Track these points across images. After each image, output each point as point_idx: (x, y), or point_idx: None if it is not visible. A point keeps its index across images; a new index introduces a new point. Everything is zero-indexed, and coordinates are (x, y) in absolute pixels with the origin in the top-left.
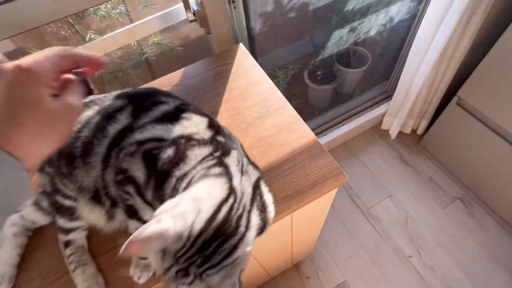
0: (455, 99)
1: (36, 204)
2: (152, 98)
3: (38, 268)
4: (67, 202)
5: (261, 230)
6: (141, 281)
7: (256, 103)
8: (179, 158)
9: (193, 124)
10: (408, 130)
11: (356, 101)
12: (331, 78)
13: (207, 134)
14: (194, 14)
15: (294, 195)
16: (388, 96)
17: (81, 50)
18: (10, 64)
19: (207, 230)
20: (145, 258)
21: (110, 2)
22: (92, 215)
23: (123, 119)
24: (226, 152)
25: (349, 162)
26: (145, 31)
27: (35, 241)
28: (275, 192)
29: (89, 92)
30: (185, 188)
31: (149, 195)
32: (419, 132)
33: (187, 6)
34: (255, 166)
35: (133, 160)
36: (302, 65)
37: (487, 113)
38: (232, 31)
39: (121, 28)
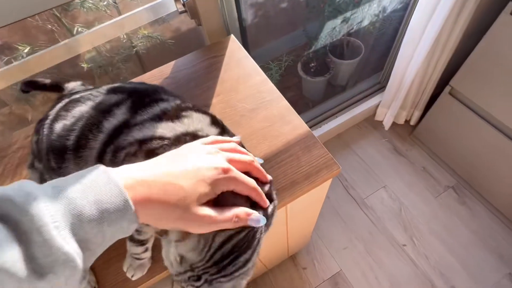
0: (447, 89)
1: None
2: (152, 95)
3: None
4: None
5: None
6: (134, 278)
7: (249, 95)
8: None
9: (196, 121)
10: (401, 121)
11: (350, 92)
12: (325, 70)
13: (212, 131)
14: (184, 5)
15: (288, 187)
16: (381, 87)
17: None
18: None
19: (227, 245)
20: (140, 259)
21: None
22: None
23: (120, 114)
24: None
25: (343, 154)
26: (134, 23)
27: None
28: None
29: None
30: None
31: None
32: (412, 122)
33: None
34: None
35: (136, 160)
36: (296, 57)
37: (479, 102)
38: (223, 23)
39: (109, 21)
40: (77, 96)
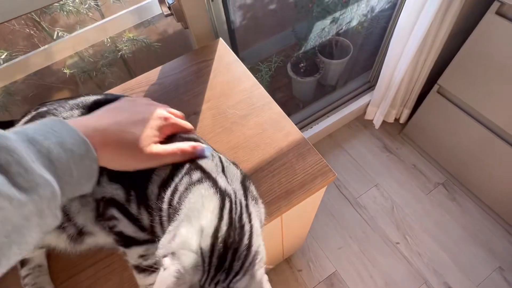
0: (435, 87)
1: None
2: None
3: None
4: None
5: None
6: None
7: (240, 101)
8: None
9: None
10: (391, 119)
11: (340, 92)
12: (315, 70)
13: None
14: (169, 8)
15: (283, 196)
16: (371, 86)
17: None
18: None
19: (217, 244)
20: None
21: None
22: (50, 236)
23: None
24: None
25: (335, 154)
26: (118, 27)
27: None
28: (263, 194)
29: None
30: (172, 196)
31: (134, 208)
32: (401, 121)
33: (161, 0)
34: (235, 164)
35: (103, 184)
36: (285, 58)
37: (467, 100)
38: (211, 25)
39: (91, 24)
40: (42, 110)
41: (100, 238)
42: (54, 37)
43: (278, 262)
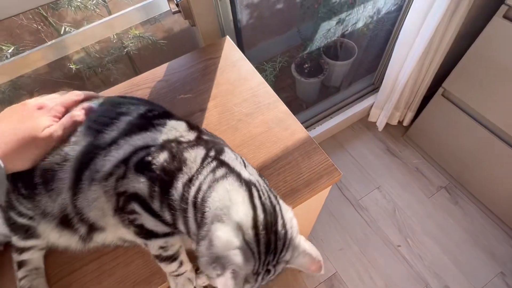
0: (440, 90)
1: None
2: (109, 111)
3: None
4: (21, 220)
5: None
6: None
7: (246, 99)
8: (178, 161)
9: (172, 128)
10: (394, 122)
11: (344, 93)
12: (319, 71)
13: (191, 135)
14: (177, 5)
15: (288, 194)
16: (375, 88)
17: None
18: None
19: (259, 233)
20: (181, 274)
21: None
22: (61, 239)
23: (79, 140)
24: (220, 151)
25: (337, 155)
26: (124, 23)
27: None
28: None
29: None
30: (195, 197)
31: (156, 204)
32: (405, 123)
33: None
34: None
35: (128, 179)
36: (290, 58)
37: (471, 104)
38: (218, 23)
39: (98, 21)
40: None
41: (110, 234)
42: (61, 32)
43: None
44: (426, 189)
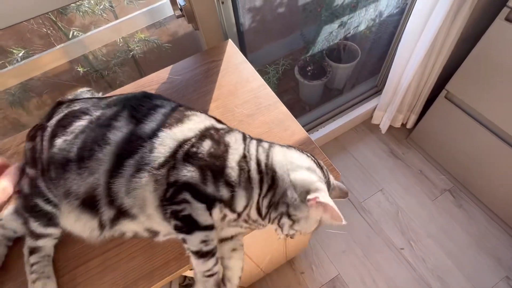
0: (443, 93)
1: (17, 212)
2: (146, 101)
3: (16, 280)
4: (47, 207)
5: None
6: None
7: (247, 101)
8: (223, 145)
9: (203, 118)
10: (398, 124)
11: (347, 96)
12: (322, 74)
13: (219, 124)
14: (181, 9)
15: None
16: (378, 90)
17: None
18: None
19: (319, 165)
20: (213, 274)
21: None
22: (77, 224)
23: (122, 126)
24: (246, 135)
25: (340, 157)
26: (131, 27)
27: (16, 251)
28: None
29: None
30: (259, 167)
31: (211, 187)
32: (408, 126)
33: (173, 2)
34: None
35: (178, 169)
36: (293, 61)
37: (474, 106)
38: (221, 27)
39: (106, 25)
40: (75, 108)
41: (138, 224)
42: (70, 36)
43: (281, 264)
44: (430, 192)
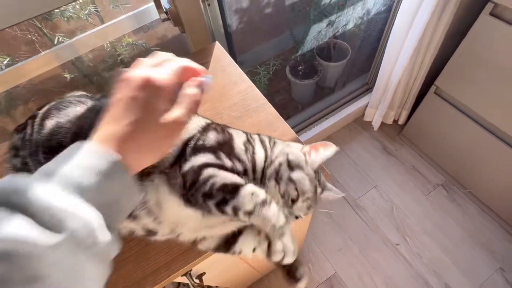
0: (432, 88)
1: None
2: None
3: None
4: None
5: None
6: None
7: (235, 103)
8: (228, 133)
9: (201, 118)
10: (390, 121)
11: (339, 94)
12: (313, 72)
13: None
14: (166, 13)
15: None
16: (369, 88)
17: (193, 62)
18: (138, 74)
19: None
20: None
21: (78, 2)
22: None
23: None
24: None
25: (334, 156)
26: (117, 32)
27: None
28: None
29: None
30: (262, 142)
31: (228, 162)
32: (400, 122)
33: (158, 5)
34: None
35: (190, 161)
36: (284, 61)
37: (464, 101)
38: (208, 29)
39: (91, 30)
40: (67, 98)
41: (132, 224)
42: (55, 42)
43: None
44: (423, 187)
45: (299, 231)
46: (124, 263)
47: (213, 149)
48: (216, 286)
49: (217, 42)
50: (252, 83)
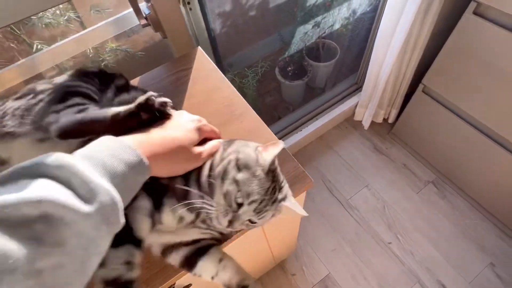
0: (420, 86)
1: None
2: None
3: None
4: None
5: None
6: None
7: (219, 109)
8: None
9: None
10: (380, 120)
11: (328, 94)
12: (303, 73)
13: None
14: (146, 18)
15: None
16: (358, 87)
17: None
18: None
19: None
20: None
21: (58, 7)
22: None
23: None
24: None
25: (325, 156)
26: (97, 38)
27: None
28: None
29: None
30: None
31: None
32: (390, 120)
33: (137, 11)
34: None
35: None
36: (272, 62)
37: (451, 99)
38: (191, 34)
39: (71, 36)
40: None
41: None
42: (34, 50)
43: (271, 267)
44: (414, 185)
45: (287, 236)
46: None
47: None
48: None
49: (199, 47)
50: (235, 89)
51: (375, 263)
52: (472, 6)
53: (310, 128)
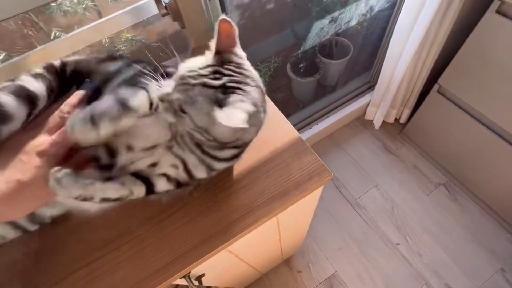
0: (436, 87)
1: None
2: None
3: None
4: None
5: None
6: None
7: None
8: None
9: None
10: (391, 120)
11: (340, 92)
12: (314, 70)
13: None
14: (165, 7)
15: (278, 197)
16: (371, 86)
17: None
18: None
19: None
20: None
21: None
22: None
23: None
24: None
25: (335, 154)
26: (115, 27)
27: None
28: (258, 195)
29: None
30: None
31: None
32: (402, 121)
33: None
34: None
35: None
36: (285, 58)
37: (467, 100)
38: (208, 25)
39: (89, 24)
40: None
41: None
42: (52, 37)
43: (278, 263)
44: (424, 187)
45: (299, 230)
46: (120, 266)
47: None
48: (216, 287)
49: None
50: None
51: (382, 264)
52: (495, 4)
53: (320, 126)
